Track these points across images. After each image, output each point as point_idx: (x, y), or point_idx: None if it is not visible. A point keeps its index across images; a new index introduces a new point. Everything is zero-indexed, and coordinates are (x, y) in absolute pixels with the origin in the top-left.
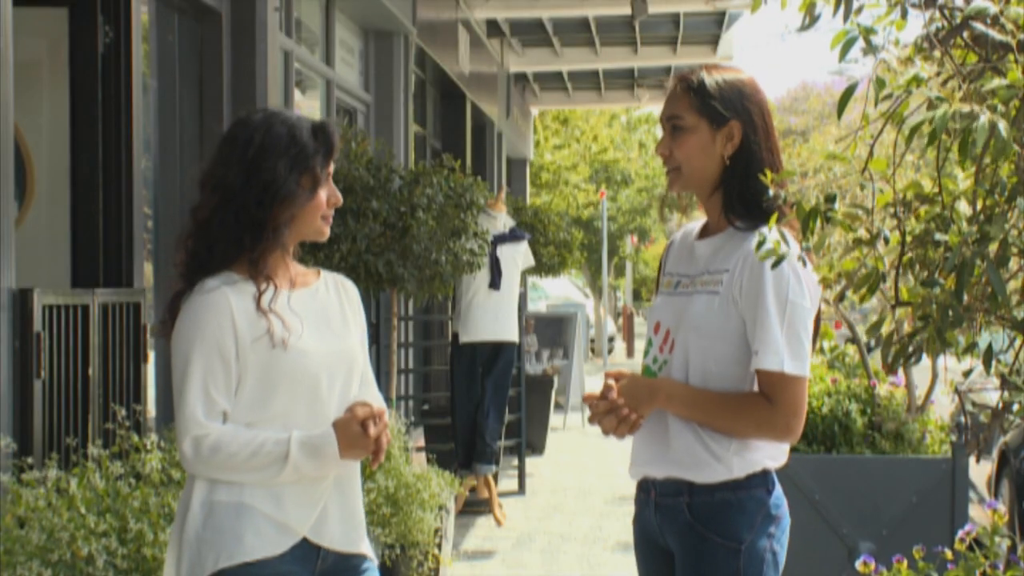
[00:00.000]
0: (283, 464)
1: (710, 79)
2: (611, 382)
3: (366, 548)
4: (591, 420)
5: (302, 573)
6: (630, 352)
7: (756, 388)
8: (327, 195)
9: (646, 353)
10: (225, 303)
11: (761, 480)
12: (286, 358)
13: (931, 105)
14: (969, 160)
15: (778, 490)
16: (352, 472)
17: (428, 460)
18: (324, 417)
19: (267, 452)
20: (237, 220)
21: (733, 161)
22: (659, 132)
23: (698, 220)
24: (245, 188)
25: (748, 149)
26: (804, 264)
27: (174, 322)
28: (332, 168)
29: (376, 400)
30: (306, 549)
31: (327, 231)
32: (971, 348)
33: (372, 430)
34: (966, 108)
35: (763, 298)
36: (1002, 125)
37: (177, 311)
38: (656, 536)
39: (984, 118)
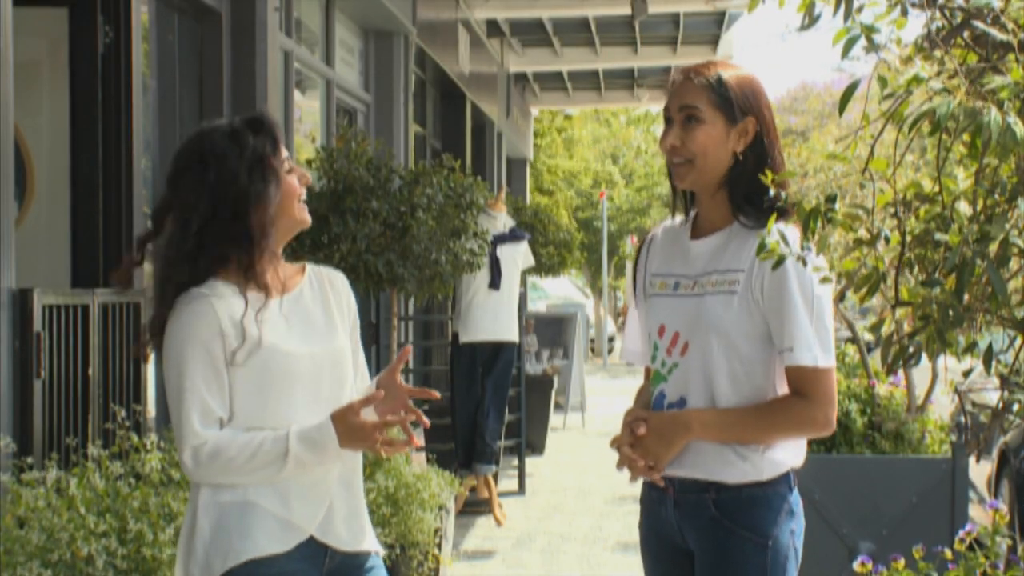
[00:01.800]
0: (284, 460)
1: (727, 75)
2: (640, 430)
3: (372, 544)
4: (619, 466)
5: (310, 572)
6: None
7: (781, 386)
8: (296, 177)
9: (653, 358)
10: (212, 311)
11: (784, 477)
12: (275, 365)
13: (932, 99)
14: (974, 159)
15: (796, 489)
16: (356, 469)
17: (428, 460)
18: (321, 417)
19: (266, 451)
20: (219, 239)
21: (744, 157)
22: (657, 130)
23: (675, 219)
24: (218, 208)
25: (760, 146)
26: (804, 264)
27: (161, 336)
28: (285, 152)
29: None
30: (313, 548)
31: (308, 216)
32: (971, 348)
33: (368, 418)
34: (972, 104)
35: (789, 295)
36: (1012, 118)
37: (163, 325)
38: (673, 535)
39: (994, 113)
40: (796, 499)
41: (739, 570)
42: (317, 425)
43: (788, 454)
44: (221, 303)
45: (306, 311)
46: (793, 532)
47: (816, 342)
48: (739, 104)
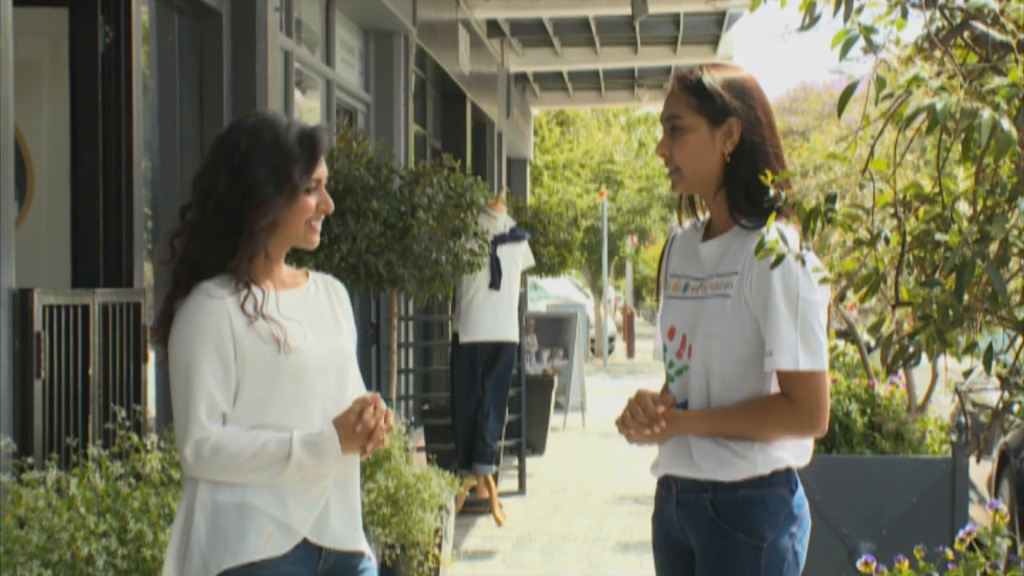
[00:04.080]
0: (286, 463)
1: (708, 77)
2: (660, 409)
3: (365, 546)
4: (618, 423)
5: (305, 574)
6: (630, 352)
7: (776, 388)
8: (316, 201)
9: (666, 361)
10: (223, 307)
11: (785, 479)
12: (286, 361)
13: (933, 95)
14: (969, 160)
15: (800, 490)
16: (353, 470)
17: (428, 460)
18: (324, 415)
19: (269, 452)
20: (222, 225)
21: (734, 159)
22: (659, 133)
23: (698, 218)
24: (229, 193)
25: (750, 146)
26: (803, 264)
27: (169, 327)
28: (322, 174)
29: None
30: (308, 550)
31: (315, 239)
32: (971, 348)
33: (366, 414)
34: (969, 104)
35: (772, 297)
36: (1005, 122)
37: (171, 316)
38: (677, 533)
39: (987, 114)
40: (799, 502)
41: (733, 572)
42: (320, 431)
43: (788, 452)
44: (232, 299)
45: (314, 309)
46: (793, 535)
47: (799, 345)
48: (720, 106)
